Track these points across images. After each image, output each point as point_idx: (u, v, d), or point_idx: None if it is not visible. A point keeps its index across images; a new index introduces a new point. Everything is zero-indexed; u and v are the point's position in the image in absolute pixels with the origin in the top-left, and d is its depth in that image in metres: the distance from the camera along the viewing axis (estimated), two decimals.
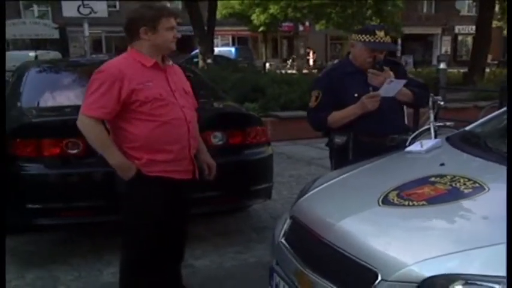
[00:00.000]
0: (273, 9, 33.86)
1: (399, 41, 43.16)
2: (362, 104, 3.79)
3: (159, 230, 3.42)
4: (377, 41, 3.81)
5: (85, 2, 10.32)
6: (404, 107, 4.15)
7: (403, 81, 3.83)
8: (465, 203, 2.59)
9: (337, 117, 3.90)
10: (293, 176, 7.70)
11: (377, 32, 3.82)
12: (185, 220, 3.72)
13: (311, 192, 3.22)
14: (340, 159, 3.96)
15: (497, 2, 21.93)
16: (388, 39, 3.86)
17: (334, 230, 2.61)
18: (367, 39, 3.83)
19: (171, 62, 3.45)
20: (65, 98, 5.08)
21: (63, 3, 10.56)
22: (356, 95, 3.83)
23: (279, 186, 6.74)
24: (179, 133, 3.34)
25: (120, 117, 3.24)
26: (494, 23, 23.93)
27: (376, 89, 3.81)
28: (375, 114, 3.80)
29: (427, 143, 3.51)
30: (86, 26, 11.02)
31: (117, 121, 3.26)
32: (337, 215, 2.72)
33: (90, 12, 10.51)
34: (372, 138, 3.88)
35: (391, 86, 3.77)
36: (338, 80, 3.94)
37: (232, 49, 34.94)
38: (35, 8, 34.24)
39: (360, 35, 3.89)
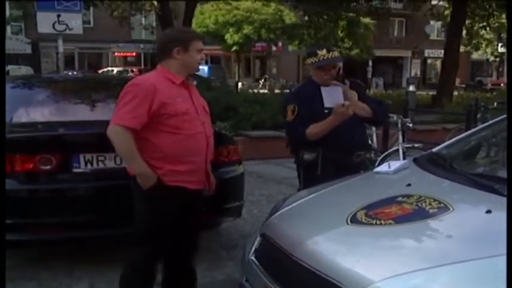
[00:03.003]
0: (247, 29, 34.16)
1: (370, 63, 43.72)
2: (340, 113, 3.96)
3: (170, 234, 3.63)
4: (320, 59, 4.07)
5: (60, 19, 10.27)
6: (374, 128, 4.36)
7: (339, 87, 4.05)
8: (430, 222, 2.67)
9: (317, 129, 4.06)
10: (264, 195, 7.73)
11: (318, 52, 4.11)
12: (195, 229, 3.88)
13: (281, 211, 3.29)
14: (309, 175, 4.14)
15: (464, 27, 22.39)
16: (331, 54, 4.10)
17: (303, 247, 2.67)
18: (312, 61, 4.13)
19: (195, 82, 3.72)
20: (39, 114, 5.08)
21: (38, 20, 10.48)
22: (326, 111, 4.03)
23: (249, 205, 6.76)
24: (200, 146, 3.58)
25: (146, 128, 3.41)
26: (462, 48, 24.39)
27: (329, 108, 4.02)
28: (343, 130, 4.01)
29: (395, 164, 3.61)
30: (60, 42, 10.90)
31: (143, 132, 3.42)
32: (306, 233, 2.79)
33: (66, 29, 10.44)
34: (339, 154, 4.07)
35: (331, 94, 4.02)
36: (310, 94, 4.14)
37: (205, 68, 35.03)
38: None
39: (307, 59, 4.20)
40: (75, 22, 10.46)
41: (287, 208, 3.30)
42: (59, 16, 10.15)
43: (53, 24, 10.17)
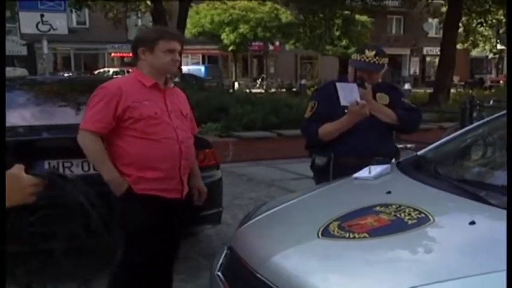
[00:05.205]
0: (243, 28, 34.03)
1: None
2: (355, 113, 3.69)
3: (148, 245, 3.47)
4: (362, 60, 3.79)
5: (44, 19, 10.04)
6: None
7: (354, 84, 3.74)
8: (408, 235, 2.42)
9: (329, 128, 3.80)
10: (252, 199, 7.47)
11: (366, 51, 3.80)
12: (177, 241, 3.77)
13: (251, 221, 3.06)
14: (321, 181, 3.76)
15: (461, 24, 22.20)
16: (377, 60, 3.79)
17: (268, 264, 2.44)
18: (354, 58, 3.86)
19: (172, 85, 3.56)
20: (18, 117, 4.82)
21: (21, 20, 10.26)
22: (346, 110, 3.74)
23: (236, 209, 6.55)
24: (170, 152, 3.39)
25: (115, 133, 3.34)
26: (460, 45, 24.19)
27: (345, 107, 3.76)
28: (355, 133, 3.73)
29: (376, 169, 3.34)
30: (44, 43, 10.67)
31: (112, 137, 3.36)
32: (272, 248, 2.56)
33: (50, 29, 10.20)
34: (354, 159, 3.69)
35: (346, 91, 3.72)
36: (332, 92, 3.82)
37: (202, 68, 35.03)
38: None
39: (353, 54, 3.96)
40: (59, 22, 10.22)
41: (257, 218, 3.07)
42: (42, 16, 9.91)
43: (37, 25, 9.93)
